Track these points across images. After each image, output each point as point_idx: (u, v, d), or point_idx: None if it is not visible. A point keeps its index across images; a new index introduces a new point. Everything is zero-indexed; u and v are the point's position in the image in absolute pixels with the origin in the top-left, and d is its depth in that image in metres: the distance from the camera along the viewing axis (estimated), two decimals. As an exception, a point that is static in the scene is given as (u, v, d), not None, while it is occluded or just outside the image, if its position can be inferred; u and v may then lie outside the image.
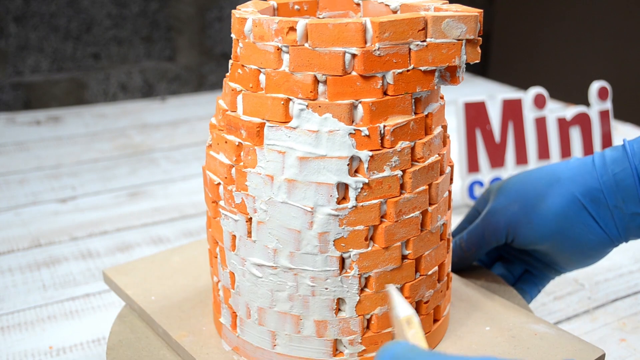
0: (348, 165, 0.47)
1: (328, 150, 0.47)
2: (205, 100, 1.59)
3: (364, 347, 0.52)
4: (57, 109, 1.52)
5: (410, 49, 0.47)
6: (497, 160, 1.00)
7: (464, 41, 0.47)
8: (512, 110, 1.02)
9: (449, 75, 0.49)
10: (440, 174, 0.52)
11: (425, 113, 0.50)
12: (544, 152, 1.04)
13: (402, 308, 0.39)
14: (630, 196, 0.57)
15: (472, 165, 0.99)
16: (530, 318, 0.59)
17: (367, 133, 0.47)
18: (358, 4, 0.58)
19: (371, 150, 0.47)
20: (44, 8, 1.59)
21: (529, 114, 1.04)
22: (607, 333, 0.70)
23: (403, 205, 0.49)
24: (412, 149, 0.49)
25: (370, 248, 0.49)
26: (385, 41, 0.46)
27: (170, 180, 1.11)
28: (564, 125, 1.06)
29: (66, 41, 1.63)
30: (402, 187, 0.49)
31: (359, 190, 0.47)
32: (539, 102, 1.04)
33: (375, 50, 0.46)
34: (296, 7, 0.56)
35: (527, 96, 1.04)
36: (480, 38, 0.48)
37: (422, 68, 0.47)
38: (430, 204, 0.51)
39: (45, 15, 1.60)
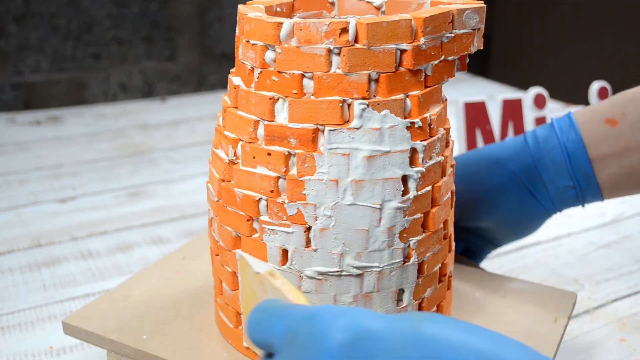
0: (409, 157, 0.49)
1: (391, 146, 0.48)
2: (205, 100, 1.59)
3: None
4: (57, 109, 1.52)
5: (442, 41, 0.49)
6: (497, 160, 1.00)
7: (476, 30, 0.51)
8: (512, 110, 1.02)
9: (459, 63, 0.52)
10: None
11: (445, 100, 0.53)
12: (544, 152, 1.04)
13: (259, 265, 0.40)
14: (561, 171, 0.62)
15: (472, 165, 0.99)
16: (505, 279, 0.66)
17: (420, 124, 0.49)
18: (332, 3, 0.59)
19: (424, 140, 0.49)
20: (44, 8, 1.59)
21: (529, 114, 1.04)
22: (607, 333, 0.70)
23: (443, 189, 0.52)
24: (445, 134, 0.52)
25: (424, 234, 0.51)
26: (428, 35, 0.48)
27: (170, 180, 1.11)
28: (564, 125, 1.06)
29: (66, 41, 1.63)
30: (442, 171, 0.52)
31: (418, 180, 0.49)
32: (539, 102, 1.04)
33: (421, 44, 0.48)
34: (277, 9, 0.56)
35: (527, 96, 1.04)
36: (482, 27, 0.52)
37: (450, 58, 0.50)
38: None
39: (45, 15, 1.60)
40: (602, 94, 1.09)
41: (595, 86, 1.09)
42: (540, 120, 1.04)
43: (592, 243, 0.89)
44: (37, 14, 1.59)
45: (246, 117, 0.50)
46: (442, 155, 0.52)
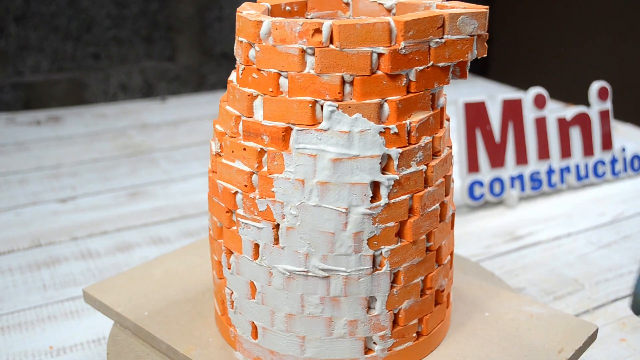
0: (380, 163, 0.48)
1: (360, 150, 0.47)
2: (205, 100, 1.59)
3: (394, 341, 0.53)
4: (57, 109, 1.52)
5: (430, 46, 0.48)
6: (497, 160, 1.00)
7: (475, 37, 0.49)
8: (512, 110, 1.02)
9: (459, 70, 0.50)
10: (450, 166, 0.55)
11: (439, 107, 0.51)
12: (544, 152, 1.04)
13: None
14: None
15: (472, 165, 0.99)
16: (523, 301, 0.61)
17: (396, 130, 0.48)
18: (347, 4, 0.58)
19: (400, 147, 0.48)
20: (44, 8, 1.59)
21: (529, 114, 1.04)
22: (607, 333, 0.70)
23: (427, 199, 0.51)
24: (432, 143, 0.51)
25: (399, 244, 0.50)
26: (410, 39, 0.47)
27: (170, 180, 1.11)
28: (564, 126, 1.06)
29: (66, 41, 1.63)
30: (425, 181, 0.50)
31: (390, 187, 0.48)
32: (539, 102, 1.04)
33: (401, 49, 0.47)
34: (287, 8, 0.56)
35: (527, 96, 1.04)
36: (487, 33, 0.50)
37: (440, 64, 0.49)
38: (445, 195, 0.53)
39: (45, 15, 1.60)
40: (602, 94, 1.09)
41: (595, 86, 1.09)
42: (540, 120, 1.04)
43: (592, 243, 0.89)
44: (37, 14, 1.59)
45: (230, 112, 0.51)
46: (426, 165, 0.50)
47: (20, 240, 0.90)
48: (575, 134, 1.07)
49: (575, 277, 0.80)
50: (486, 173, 1.00)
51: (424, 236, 0.51)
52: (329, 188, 0.47)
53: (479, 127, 0.99)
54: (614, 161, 1.09)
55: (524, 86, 1.48)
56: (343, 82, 0.46)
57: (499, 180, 1.00)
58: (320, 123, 0.47)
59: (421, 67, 0.48)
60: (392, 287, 0.51)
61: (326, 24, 0.45)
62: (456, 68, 0.50)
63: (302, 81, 0.47)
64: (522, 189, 1.02)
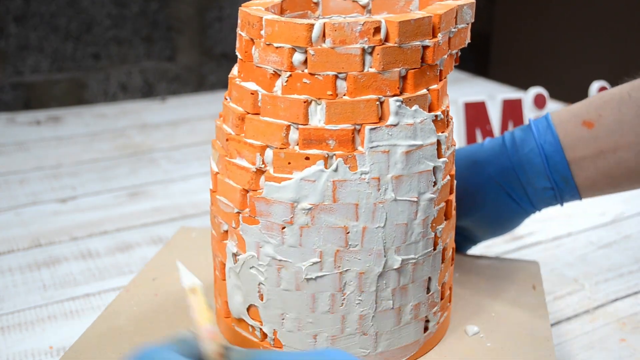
0: (437, 149, 0.51)
1: (423, 140, 0.50)
2: (205, 100, 1.59)
3: (441, 313, 0.56)
4: (57, 109, 1.52)
5: (449, 36, 0.51)
6: (497, 160, 1.00)
7: (469, 24, 0.53)
8: (512, 110, 1.02)
9: (456, 56, 0.55)
10: None
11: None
12: (544, 152, 1.04)
13: (187, 278, 0.40)
14: (539, 174, 0.62)
15: (472, 165, 0.99)
16: (474, 258, 0.71)
17: (442, 116, 0.51)
18: (316, 3, 0.59)
19: (444, 132, 0.52)
20: (44, 8, 1.59)
21: (529, 114, 1.04)
22: (607, 333, 0.70)
23: (452, 175, 0.55)
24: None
25: (445, 222, 0.54)
26: (443, 31, 0.50)
27: (170, 180, 1.11)
28: (564, 125, 1.06)
29: (66, 41, 1.63)
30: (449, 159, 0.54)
31: (443, 170, 0.52)
32: (539, 102, 1.04)
33: (439, 40, 0.49)
34: (272, 10, 0.56)
35: (527, 96, 1.04)
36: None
37: (453, 52, 0.53)
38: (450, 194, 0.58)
39: (45, 15, 1.60)
40: (602, 94, 1.09)
41: (595, 86, 1.09)
42: (540, 120, 1.04)
43: (592, 243, 0.89)
44: (37, 14, 1.59)
45: (275, 123, 0.49)
46: (452, 145, 0.55)
47: (20, 240, 0.90)
48: (575, 134, 1.07)
49: (575, 277, 0.80)
50: (486, 173, 1.00)
51: (454, 211, 0.57)
52: (402, 181, 0.49)
53: (479, 127, 0.99)
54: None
55: (524, 86, 1.48)
56: (399, 76, 0.48)
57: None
58: (383, 119, 0.48)
59: (446, 56, 0.51)
60: (442, 263, 0.54)
61: (383, 22, 0.47)
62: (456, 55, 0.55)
63: (365, 80, 0.47)
64: (522, 189, 1.01)
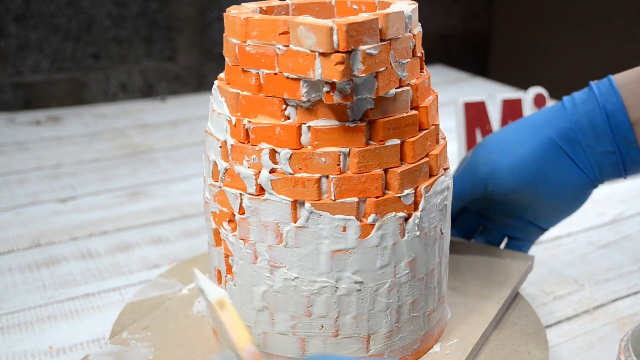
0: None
1: (214, 130, 0.54)
2: (205, 100, 1.59)
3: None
4: (57, 109, 1.52)
5: (276, 52, 0.47)
6: (497, 160, 1.00)
7: (317, 53, 0.45)
8: (512, 110, 1.02)
9: (331, 88, 0.46)
10: None
11: (308, 124, 0.48)
12: (544, 152, 1.04)
13: (212, 292, 0.38)
14: (600, 135, 0.59)
15: (472, 165, 0.99)
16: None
17: (234, 123, 0.50)
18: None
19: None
20: (44, 8, 1.59)
21: (529, 114, 1.04)
22: (607, 333, 0.70)
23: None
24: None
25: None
26: (254, 39, 0.48)
27: (170, 180, 1.11)
28: (564, 125, 1.06)
29: (66, 41, 1.63)
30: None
31: (223, 172, 0.52)
32: (539, 102, 1.04)
33: (247, 45, 0.48)
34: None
35: (527, 96, 1.03)
36: (339, 54, 0.44)
37: (285, 74, 0.47)
38: None
39: (45, 15, 1.60)
40: (602, 94, 1.09)
41: (595, 86, 1.09)
42: (540, 120, 1.04)
43: (592, 243, 0.89)
44: (37, 14, 1.59)
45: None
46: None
47: (20, 240, 0.90)
48: (575, 134, 1.07)
49: (575, 277, 0.80)
50: (486, 173, 1.00)
51: None
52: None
53: (479, 127, 0.99)
54: None
55: (524, 86, 1.48)
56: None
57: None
58: None
59: (267, 71, 0.48)
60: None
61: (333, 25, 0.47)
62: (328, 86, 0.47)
63: None
64: (522, 189, 1.01)
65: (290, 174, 0.48)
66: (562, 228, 0.92)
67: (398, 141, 0.49)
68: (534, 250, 0.87)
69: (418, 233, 0.51)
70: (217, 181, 0.52)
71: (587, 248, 0.87)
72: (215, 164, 0.52)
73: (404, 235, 0.50)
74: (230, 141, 0.50)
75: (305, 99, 0.47)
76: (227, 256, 0.53)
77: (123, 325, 0.62)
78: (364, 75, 0.45)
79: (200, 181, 1.10)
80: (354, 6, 0.57)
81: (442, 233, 0.54)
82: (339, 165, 0.48)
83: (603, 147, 0.59)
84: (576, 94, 0.62)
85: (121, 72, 1.72)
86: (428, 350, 0.56)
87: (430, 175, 0.52)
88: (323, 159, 0.47)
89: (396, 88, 0.49)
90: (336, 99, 0.46)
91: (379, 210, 0.48)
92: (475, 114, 0.99)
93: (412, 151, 0.50)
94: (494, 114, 1.02)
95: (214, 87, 0.53)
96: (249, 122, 0.49)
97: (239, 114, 0.50)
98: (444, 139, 0.56)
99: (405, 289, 0.52)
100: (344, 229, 0.48)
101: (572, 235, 0.91)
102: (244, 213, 0.50)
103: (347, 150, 0.47)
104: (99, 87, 1.70)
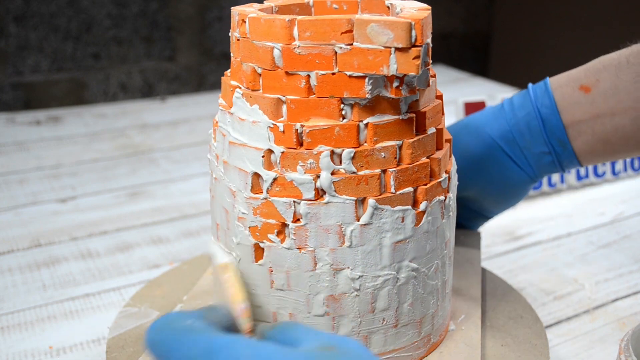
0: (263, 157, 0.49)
1: (249, 139, 0.49)
2: (205, 100, 1.59)
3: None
4: (57, 109, 1.52)
5: (335, 51, 0.47)
6: (497, 160, 1.00)
7: (392, 49, 0.45)
8: (512, 110, 1.02)
9: (389, 85, 0.47)
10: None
11: (365, 122, 0.48)
12: (544, 152, 1.04)
13: (220, 256, 0.40)
14: (536, 137, 0.63)
15: (472, 165, 0.99)
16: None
17: (282, 129, 0.48)
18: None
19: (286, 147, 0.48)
20: (44, 8, 1.59)
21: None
22: (607, 333, 0.70)
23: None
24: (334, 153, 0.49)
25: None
26: (307, 40, 0.46)
27: (170, 180, 1.11)
28: (564, 125, 1.06)
29: (66, 41, 1.64)
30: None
31: (270, 182, 0.49)
32: (539, 102, 1.04)
33: (295, 48, 0.47)
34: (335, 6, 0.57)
35: (527, 96, 1.04)
36: (416, 48, 0.45)
37: (348, 73, 0.47)
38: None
39: (45, 15, 1.60)
40: (602, 94, 1.09)
41: (595, 86, 1.09)
42: (540, 120, 1.04)
43: (592, 243, 0.89)
44: (37, 14, 1.59)
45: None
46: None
47: (20, 240, 0.90)
48: (575, 134, 1.07)
49: (575, 277, 0.80)
50: (486, 173, 1.00)
51: None
52: (228, 168, 0.52)
53: (479, 127, 0.99)
54: (613, 161, 1.09)
55: (524, 86, 1.48)
56: (256, 73, 0.49)
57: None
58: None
59: (323, 72, 0.47)
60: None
61: (250, 16, 0.49)
62: (387, 82, 0.48)
63: (234, 67, 0.53)
64: (522, 189, 1.02)
65: (354, 172, 0.48)
66: (562, 228, 0.92)
67: (434, 129, 0.52)
68: (534, 249, 0.87)
69: (451, 214, 0.55)
70: (260, 193, 0.50)
71: (587, 248, 0.87)
72: (255, 174, 0.49)
73: (443, 217, 0.53)
74: (279, 149, 0.48)
75: (369, 96, 0.47)
76: (271, 271, 0.51)
77: None
78: (427, 68, 0.49)
79: (200, 181, 1.10)
80: (334, 5, 0.57)
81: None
82: (396, 158, 0.49)
83: (539, 149, 0.63)
84: (515, 96, 0.66)
85: (121, 72, 1.72)
86: (448, 328, 0.59)
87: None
88: (383, 154, 0.48)
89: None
90: (404, 92, 0.48)
91: (428, 196, 0.51)
92: (475, 114, 0.99)
93: (441, 137, 0.53)
94: (494, 114, 1.02)
95: (236, 96, 0.50)
96: (302, 126, 0.48)
97: (284, 118, 0.48)
98: None
99: (445, 268, 0.55)
100: (403, 220, 0.50)
101: (572, 235, 0.91)
102: (298, 221, 0.49)
103: (401, 142, 0.49)
104: (99, 87, 1.71)
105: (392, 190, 0.49)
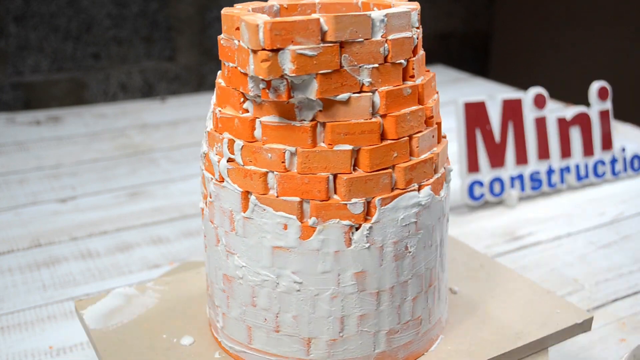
0: None
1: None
2: (205, 100, 1.59)
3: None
4: (57, 109, 1.52)
5: (234, 47, 0.49)
6: (497, 160, 1.00)
7: (249, 50, 0.45)
8: (512, 110, 1.02)
9: (267, 85, 0.47)
10: None
11: (262, 119, 0.49)
12: (544, 152, 1.04)
13: None
14: None
15: (472, 165, 0.99)
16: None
17: (211, 113, 0.54)
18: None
19: None
20: (44, 8, 1.59)
21: (529, 114, 1.03)
22: (607, 333, 0.70)
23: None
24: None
25: None
26: (226, 33, 0.49)
27: (170, 180, 1.11)
28: (564, 125, 1.06)
29: (66, 41, 1.63)
30: None
31: (202, 157, 0.55)
32: (539, 102, 1.04)
33: (222, 38, 0.50)
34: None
35: (527, 96, 1.03)
36: (265, 52, 0.44)
37: (239, 68, 0.48)
38: None
39: (45, 15, 1.60)
40: (602, 94, 1.09)
41: (595, 86, 1.09)
42: (540, 120, 1.04)
43: (592, 243, 0.89)
44: (37, 14, 1.59)
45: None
46: None
47: (20, 240, 0.90)
48: (575, 134, 1.07)
49: (575, 277, 0.80)
50: (486, 173, 1.00)
51: None
52: None
53: (479, 127, 0.99)
54: (613, 161, 1.09)
55: (524, 86, 1.48)
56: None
57: (499, 180, 1.00)
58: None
59: (230, 64, 0.51)
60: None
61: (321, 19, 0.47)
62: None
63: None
64: (522, 189, 1.02)
65: (242, 165, 0.49)
66: (562, 228, 0.92)
67: (349, 147, 0.47)
68: (534, 249, 0.87)
69: (367, 245, 0.49)
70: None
71: (587, 248, 0.87)
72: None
73: (350, 244, 0.48)
74: (208, 128, 0.53)
75: (252, 94, 0.48)
76: (205, 236, 0.56)
77: None
78: (295, 75, 0.44)
79: (200, 181, 1.10)
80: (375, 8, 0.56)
81: (409, 251, 0.51)
82: (283, 162, 0.47)
83: None
84: None
85: (121, 72, 1.72)
86: None
87: (395, 189, 0.49)
88: (269, 154, 0.48)
89: (353, 93, 0.47)
90: (271, 96, 0.46)
91: (320, 214, 0.47)
92: (475, 114, 0.99)
93: (367, 160, 0.47)
94: (494, 114, 1.01)
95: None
96: (220, 111, 0.51)
97: (214, 102, 0.53)
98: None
99: (351, 300, 0.50)
100: (285, 227, 0.48)
101: (572, 235, 0.91)
102: (210, 197, 0.52)
103: (294, 149, 0.47)
104: (99, 87, 1.70)
105: (274, 193, 0.48)
